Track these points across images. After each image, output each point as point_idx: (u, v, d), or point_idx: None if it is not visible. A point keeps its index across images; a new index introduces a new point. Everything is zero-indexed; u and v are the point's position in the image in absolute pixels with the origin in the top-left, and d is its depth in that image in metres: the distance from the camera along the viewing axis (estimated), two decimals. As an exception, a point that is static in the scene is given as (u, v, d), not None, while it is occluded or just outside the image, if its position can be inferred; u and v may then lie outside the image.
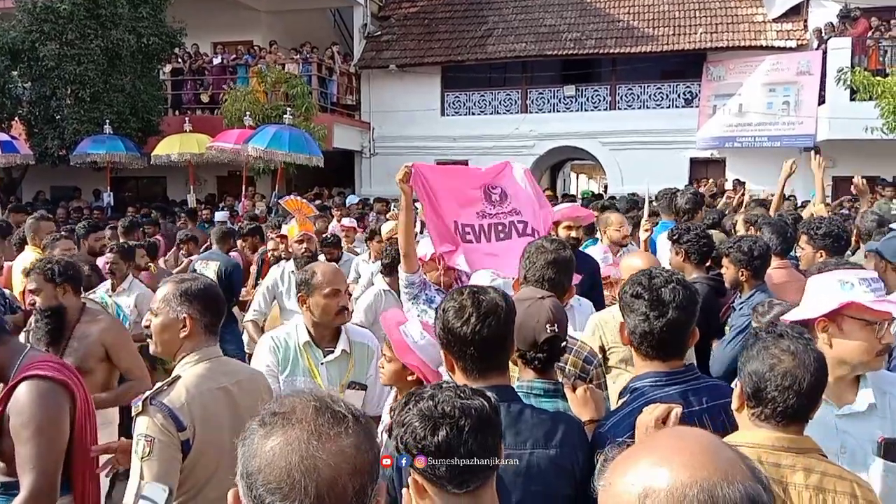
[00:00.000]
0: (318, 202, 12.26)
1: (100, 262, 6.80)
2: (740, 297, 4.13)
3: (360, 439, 1.13)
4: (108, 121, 14.70)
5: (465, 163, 18.96)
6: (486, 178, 4.51)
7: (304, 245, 6.09)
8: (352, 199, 14.69)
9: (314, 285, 3.29)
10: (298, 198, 8.46)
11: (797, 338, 1.96)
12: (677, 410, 2.00)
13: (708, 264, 4.60)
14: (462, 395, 1.62)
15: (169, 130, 15.77)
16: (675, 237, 4.53)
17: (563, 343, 2.42)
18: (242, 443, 1.13)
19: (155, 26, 15.80)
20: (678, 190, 6.89)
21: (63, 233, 6.60)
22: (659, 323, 2.17)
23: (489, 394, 1.67)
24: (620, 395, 2.36)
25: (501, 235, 4.35)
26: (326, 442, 1.10)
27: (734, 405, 2.01)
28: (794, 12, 17.13)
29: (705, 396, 2.19)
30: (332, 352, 3.35)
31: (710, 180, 15.14)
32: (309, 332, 3.34)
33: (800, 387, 1.87)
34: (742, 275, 4.10)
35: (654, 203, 6.87)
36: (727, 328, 4.15)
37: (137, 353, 4.03)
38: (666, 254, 4.93)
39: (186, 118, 15.66)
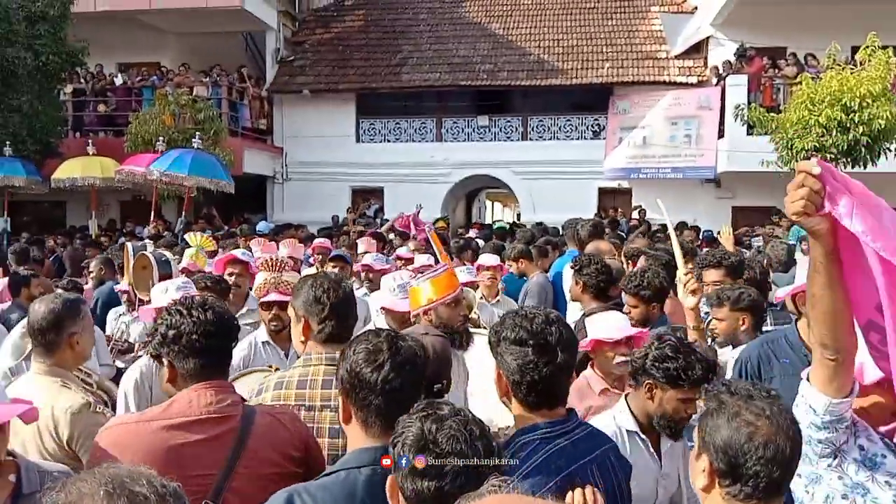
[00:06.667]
0: (209, 230, 11.69)
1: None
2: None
3: None
4: (7, 142, 13.98)
5: (381, 190, 19.07)
6: None
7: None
8: (263, 227, 14.35)
9: None
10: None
11: (767, 397, 1.71)
12: (600, 499, 1.92)
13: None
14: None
15: (69, 153, 15.11)
16: (576, 267, 4.55)
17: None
18: None
19: (54, 44, 15.12)
20: (581, 220, 6.99)
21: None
22: (549, 369, 1.96)
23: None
24: (506, 445, 1.98)
25: None
26: None
27: (700, 484, 1.72)
28: (695, 50, 17.96)
29: (590, 444, 2.07)
30: None
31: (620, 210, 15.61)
32: None
33: (783, 456, 1.63)
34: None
35: (563, 233, 6.94)
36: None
37: None
38: (569, 283, 4.99)
39: (89, 141, 15.04)
